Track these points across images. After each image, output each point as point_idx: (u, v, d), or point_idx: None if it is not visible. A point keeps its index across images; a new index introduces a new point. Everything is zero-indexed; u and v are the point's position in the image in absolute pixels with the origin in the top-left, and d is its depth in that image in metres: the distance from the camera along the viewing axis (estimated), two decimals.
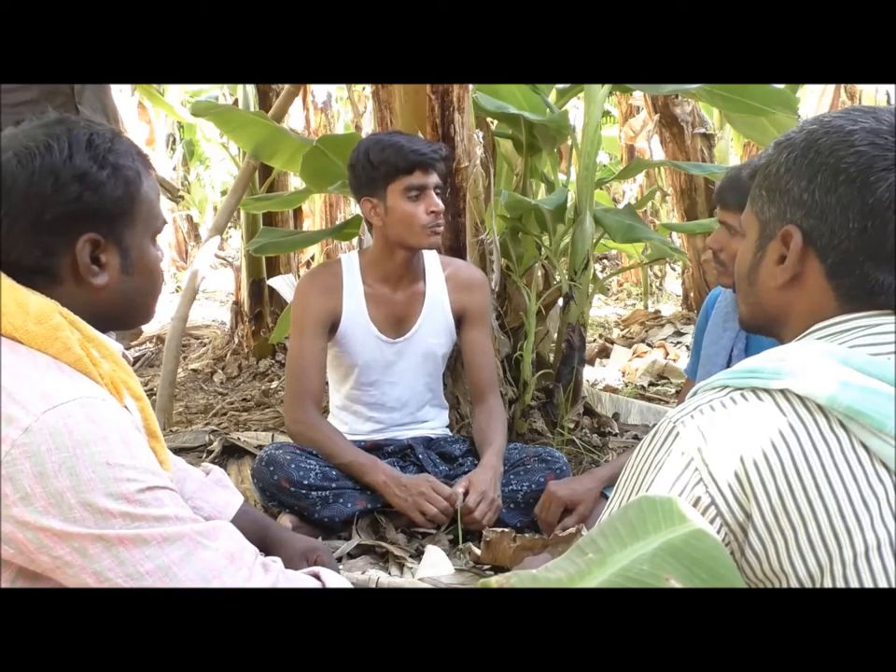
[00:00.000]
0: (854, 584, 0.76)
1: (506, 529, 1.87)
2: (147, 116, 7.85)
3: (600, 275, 4.87)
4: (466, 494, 2.05)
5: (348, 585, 1.21)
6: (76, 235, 1.03)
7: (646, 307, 6.67)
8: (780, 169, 0.92)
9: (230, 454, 2.65)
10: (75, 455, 0.93)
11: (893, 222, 0.85)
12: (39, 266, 1.03)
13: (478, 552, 1.87)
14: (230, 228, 7.50)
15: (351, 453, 2.14)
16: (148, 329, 4.83)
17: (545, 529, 2.08)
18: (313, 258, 6.34)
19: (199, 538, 1.00)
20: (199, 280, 3.51)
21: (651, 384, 4.07)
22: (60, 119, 1.07)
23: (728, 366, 1.90)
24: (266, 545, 1.40)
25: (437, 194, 2.16)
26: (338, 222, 5.90)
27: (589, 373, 3.95)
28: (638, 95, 5.93)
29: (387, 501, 2.10)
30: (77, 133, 1.04)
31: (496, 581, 0.61)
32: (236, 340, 4.46)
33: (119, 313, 1.12)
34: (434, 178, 2.15)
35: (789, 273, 0.91)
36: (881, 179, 0.84)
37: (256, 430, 3.01)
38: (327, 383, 2.35)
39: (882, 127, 0.86)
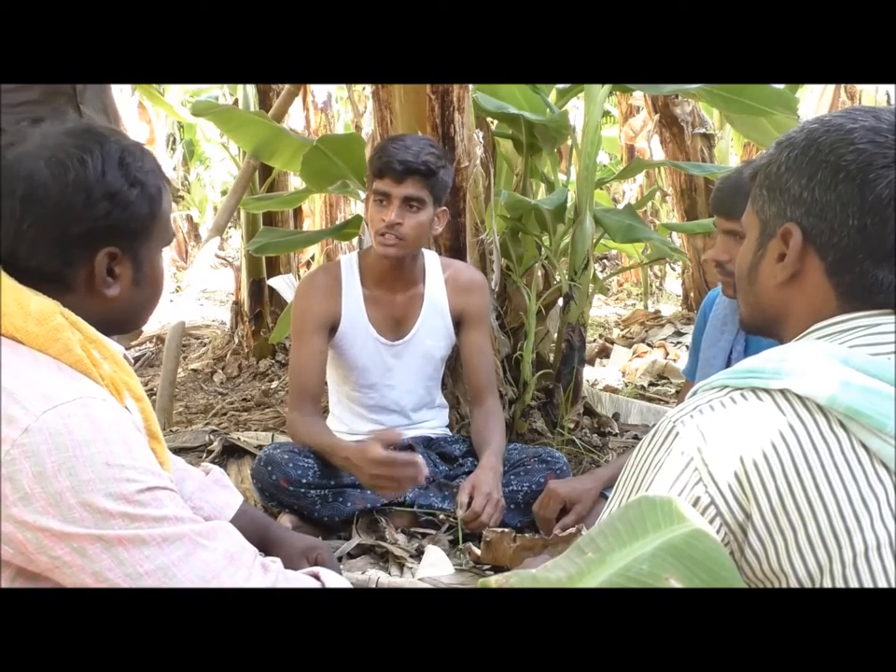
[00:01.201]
0: (854, 584, 0.76)
1: (506, 529, 1.87)
2: (147, 116, 7.84)
3: (600, 275, 4.86)
4: (470, 500, 2.03)
5: (348, 585, 1.21)
6: (97, 249, 1.04)
7: (646, 307, 6.67)
8: (781, 167, 0.92)
9: (230, 454, 2.65)
10: (74, 455, 0.93)
11: (893, 220, 0.85)
12: (57, 275, 1.04)
13: (478, 552, 1.87)
14: (230, 228, 7.50)
15: (326, 437, 2.12)
16: (148, 329, 4.83)
17: (542, 526, 2.08)
18: (313, 258, 6.34)
19: (198, 538, 1.00)
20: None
21: (651, 384, 4.07)
22: (86, 127, 1.07)
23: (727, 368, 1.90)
24: (266, 545, 1.40)
25: (411, 207, 2.11)
26: (338, 222, 5.89)
27: (589, 373, 3.95)
28: (638, 95, 5.93)
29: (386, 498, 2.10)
30: (110, 149, 1.04)
31: (495, 580, 0.61)
32: (236, 340, 4.46)
33: (123, 321, 1.14)
34: (407, 190, 2.09)
35: (788, 271, 0.91)
36: (881, 177, 0.84)
37: (256, 430, 3.01)
38: (326, 384, 2.35)
39: (882, 125, 0.86)
